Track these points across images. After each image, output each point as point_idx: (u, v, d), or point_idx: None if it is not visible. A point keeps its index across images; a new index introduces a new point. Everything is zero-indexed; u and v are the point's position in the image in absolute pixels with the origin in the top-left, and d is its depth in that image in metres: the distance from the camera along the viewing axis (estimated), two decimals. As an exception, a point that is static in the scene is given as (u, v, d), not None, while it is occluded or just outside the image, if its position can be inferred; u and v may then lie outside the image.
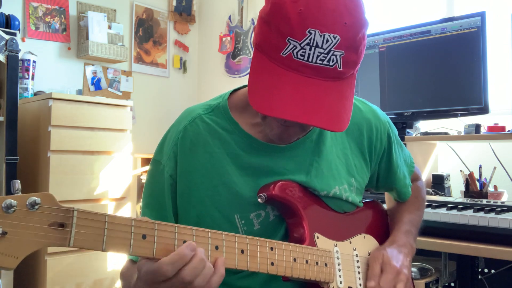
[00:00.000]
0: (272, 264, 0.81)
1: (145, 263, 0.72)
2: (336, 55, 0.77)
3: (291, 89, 0.77)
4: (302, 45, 0.75)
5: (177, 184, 0.93)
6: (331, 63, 0.77)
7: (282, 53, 0.77)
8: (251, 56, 3.58)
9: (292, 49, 0.76)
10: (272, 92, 0.77)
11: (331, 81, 0.79)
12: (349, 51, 0.78)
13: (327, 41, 0.75)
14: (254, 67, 0.81)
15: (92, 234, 0.65)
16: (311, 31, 0.75)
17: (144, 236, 0.69)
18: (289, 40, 0.76)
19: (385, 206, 1.21)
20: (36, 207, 0.61)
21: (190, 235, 0.74)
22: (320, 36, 0.75)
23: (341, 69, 0.78)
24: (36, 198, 0.61)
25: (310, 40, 0.75)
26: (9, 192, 2.35)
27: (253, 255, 0.80)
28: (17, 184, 0.63)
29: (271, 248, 0.82)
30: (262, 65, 0.80)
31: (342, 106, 0.80)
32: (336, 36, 0.75)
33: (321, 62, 0.77)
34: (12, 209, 0.59)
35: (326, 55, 0.76)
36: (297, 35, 0.75)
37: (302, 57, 0.76)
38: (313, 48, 0.75)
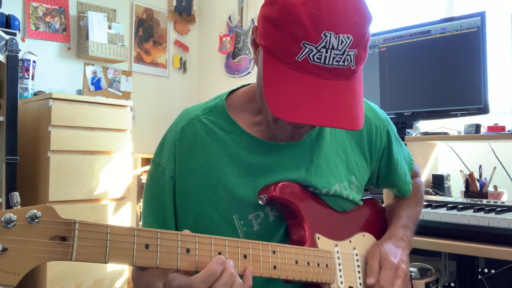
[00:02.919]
0: (275, 267, 0.81)
1: (176, 276, 0.73)
2: (350, 55, 0.77)
3: (311, 93, 0.77)
4: (318, 48, 0.75)
5: (176, 185, 0.93)
6: (346, 63, 0.78)
7: (298, 57, 0.76)
8: (251, 56, 3.58)
9: (308, 52, 0.76)
10: (293, 98, 0.77)
11: (345, 80, 0.80)
12: (360, 49, 0.79)
13: (342, 42, 0.76)
14: (268, 72, 0.80)
15: (94, 247, 0.63)
16: (326, 33, 0.74)
17: (147, 246, 0.68)
18: (304, 44, 0.75)
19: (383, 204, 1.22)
20: (37, 220, 0.59)
21: (193, 243, 0.73)
22: (335, 38, 0.75)
23: (354, 67, 0.79)
24: (36, 211, 0.59)
25: (326, 42, 0.75)
26: (9, 191, 2.34)
27: (256, 259, 0.80)
28: (16, 196, 0.61)
29: (273, 252, 0.82)
30: (276, 70, 0.79)
31: (357, 103, 0.81)
32: (350, 36, 0.76)
33: (337, 63, 0.77)
34: (12, 224, 0.57)
35: (341, 56, 0.77)
36: (313, 38, 0.75)
37: (318, 60, 0.76)
38: (329, 50, 0.75)
